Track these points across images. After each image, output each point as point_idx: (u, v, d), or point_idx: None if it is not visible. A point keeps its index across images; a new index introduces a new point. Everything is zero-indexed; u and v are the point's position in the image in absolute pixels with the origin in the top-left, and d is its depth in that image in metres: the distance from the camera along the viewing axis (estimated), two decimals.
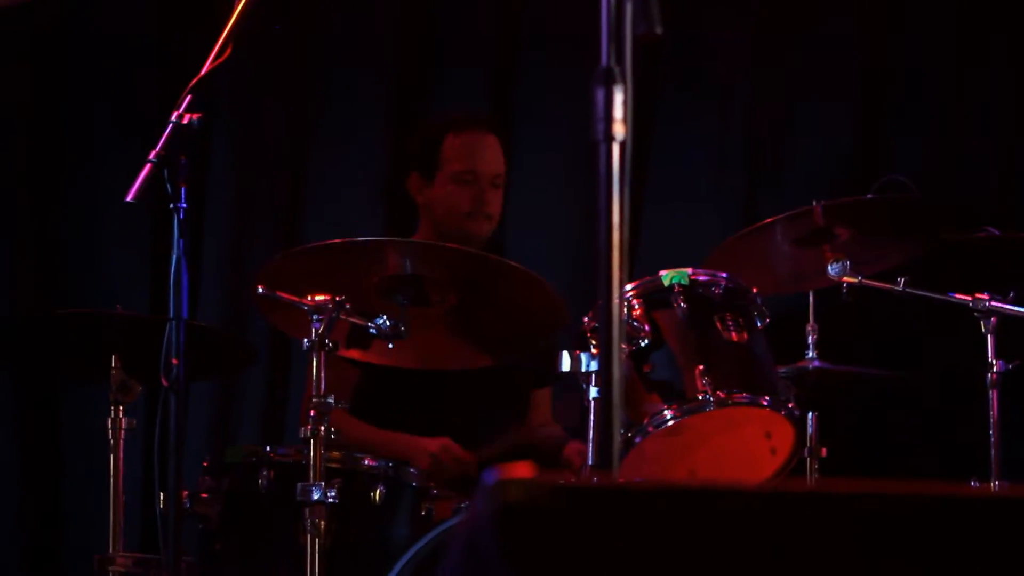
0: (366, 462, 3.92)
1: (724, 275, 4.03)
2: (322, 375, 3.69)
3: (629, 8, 2.22)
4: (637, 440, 3.86)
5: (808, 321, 4.69)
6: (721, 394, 3.86)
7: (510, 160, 5.17)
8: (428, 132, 4.84)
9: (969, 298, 4.35)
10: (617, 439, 2.14)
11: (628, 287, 3.95)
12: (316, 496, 3.62)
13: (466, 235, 4.71)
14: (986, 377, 4.37)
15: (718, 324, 3.97)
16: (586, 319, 3.91)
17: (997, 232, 4.78)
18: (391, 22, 5.56)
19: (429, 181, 4.80)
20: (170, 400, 3.14)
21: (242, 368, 4.93)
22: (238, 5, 3.35)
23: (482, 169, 4.75)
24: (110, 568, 4.00)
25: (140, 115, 5.24)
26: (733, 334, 3.98)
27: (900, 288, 4.43)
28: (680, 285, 3.97)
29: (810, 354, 4.66)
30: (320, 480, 3.64)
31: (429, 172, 4.80)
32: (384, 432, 4.63)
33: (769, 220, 4.48)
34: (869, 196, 4.71)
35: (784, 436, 4.12)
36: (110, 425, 4.03)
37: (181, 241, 3.17)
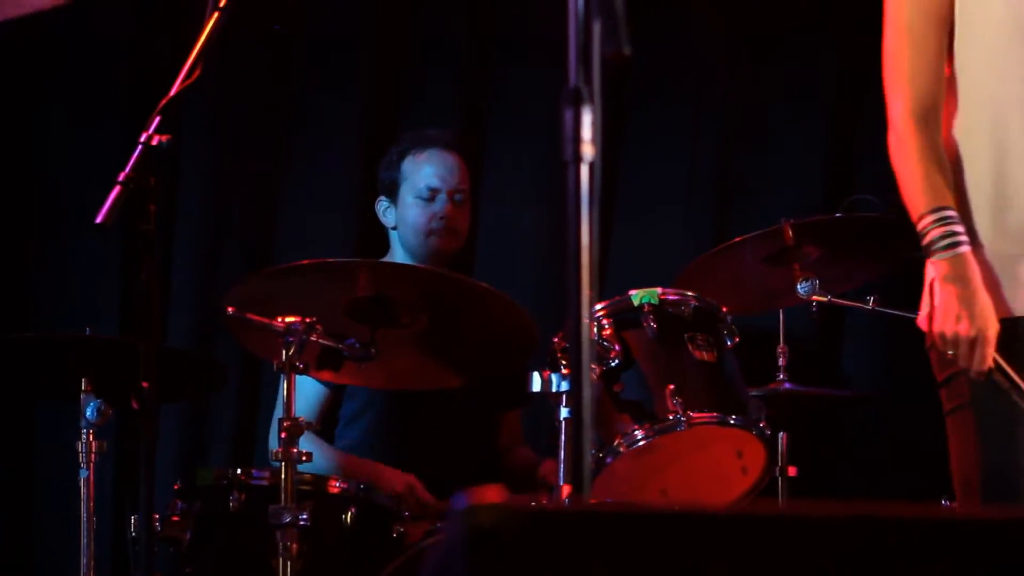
0: (337, 484, 3.91)
1: (693, 294, 4.03)
2: (292, 397, 3.68)
3: (597, 28, 2.22)
4: (609, 460, 3.86)
5: (779, 342, 4.70)
6: (692, 413, 3.86)
7: (480, 179, 5.17)
8: (391, 154, 4.85)
9: None
10: (588, 460, 2.13)
11: (598, 307, 3.95)
12: (287, 519, 3.61)
13: (432, 251, 4.73)
14: None
15: (688, 343, 3.98)
16: (556, 339, 3.91)
17: None
18: (364, 42, 5.56)
19: (393, 202, 4.82)
20: (140, 423, 3.12)
21: (212, 390, 4.91)
22: (207, 26, 3.34)
23: (442, 185, 4.75)
24: None
25: (110, 135, 5.22)
26: (703, 353, 3.98)
27: (870, 307, 4.44)
28: (650, 304, 3.97)
29: (780, 376, 4.67)
30: (291, 503, 3.62)
31: (392, 193, 4.82)
32: (351, 458, 4.62)
33: (738, 239, 4.49)
34: (838, 215, 4.72)
35: (755, 455, 4.13)
36: (80, 448, 4.01)
37: (150, 263, 3.14)
